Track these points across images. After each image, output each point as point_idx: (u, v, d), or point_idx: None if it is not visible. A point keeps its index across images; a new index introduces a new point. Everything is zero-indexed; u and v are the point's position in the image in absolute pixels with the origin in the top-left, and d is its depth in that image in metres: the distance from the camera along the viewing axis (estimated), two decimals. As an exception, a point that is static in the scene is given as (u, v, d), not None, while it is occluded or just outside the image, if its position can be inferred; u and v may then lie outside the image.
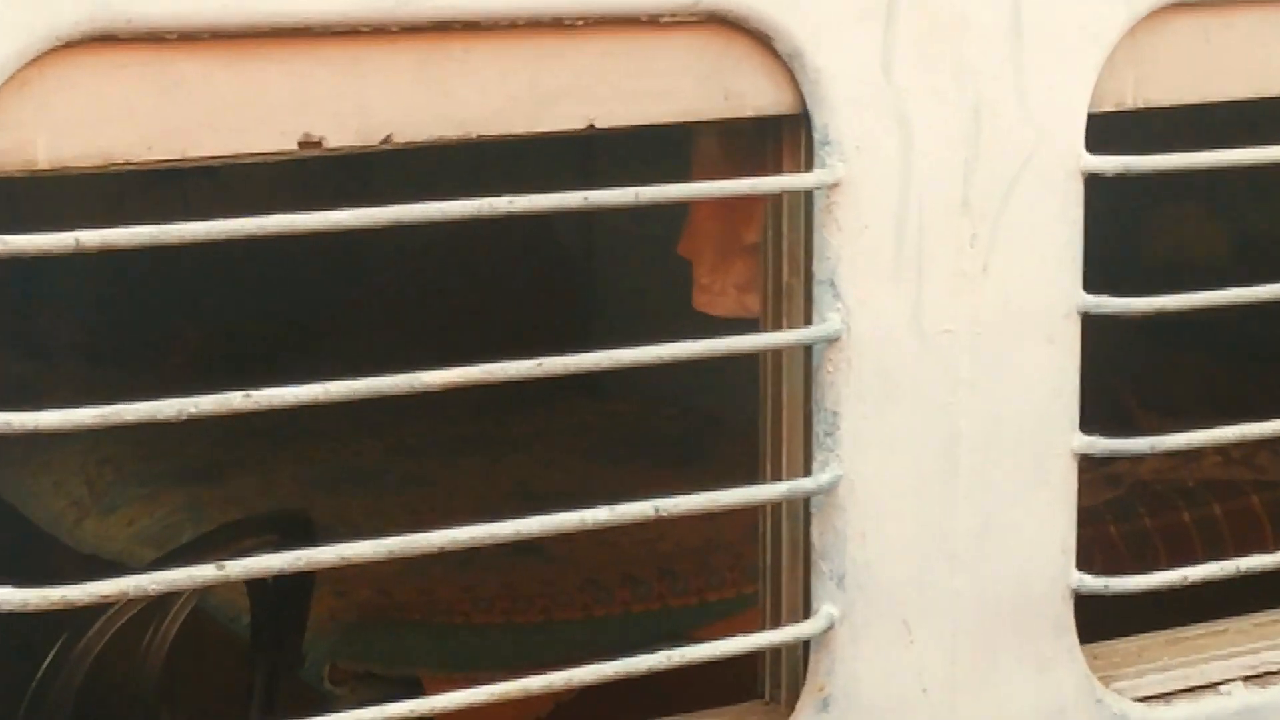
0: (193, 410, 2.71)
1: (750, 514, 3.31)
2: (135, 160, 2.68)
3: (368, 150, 2.82)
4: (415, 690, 4.44)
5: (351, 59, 2.77)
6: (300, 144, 2.77)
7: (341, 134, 2.79)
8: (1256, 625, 3.68)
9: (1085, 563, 3.38)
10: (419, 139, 2.84)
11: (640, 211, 3.06)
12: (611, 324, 6.85)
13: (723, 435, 5.75)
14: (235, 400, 2.73)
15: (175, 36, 2.64)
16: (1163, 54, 3.29)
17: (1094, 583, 3.36)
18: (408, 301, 7.03)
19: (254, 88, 2.71)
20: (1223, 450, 5.33)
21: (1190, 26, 3.30)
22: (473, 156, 3.02)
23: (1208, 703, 3.51)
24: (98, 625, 3.91)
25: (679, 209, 3.56)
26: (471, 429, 6.16)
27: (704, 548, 5.01)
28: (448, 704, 3.00)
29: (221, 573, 2.81)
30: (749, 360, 3.23)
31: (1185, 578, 3.46)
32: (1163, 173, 3.36)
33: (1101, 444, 3.32)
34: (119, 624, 3.96)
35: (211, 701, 4.58)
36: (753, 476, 3.26)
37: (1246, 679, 3.57)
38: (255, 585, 4.19)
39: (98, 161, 2.67)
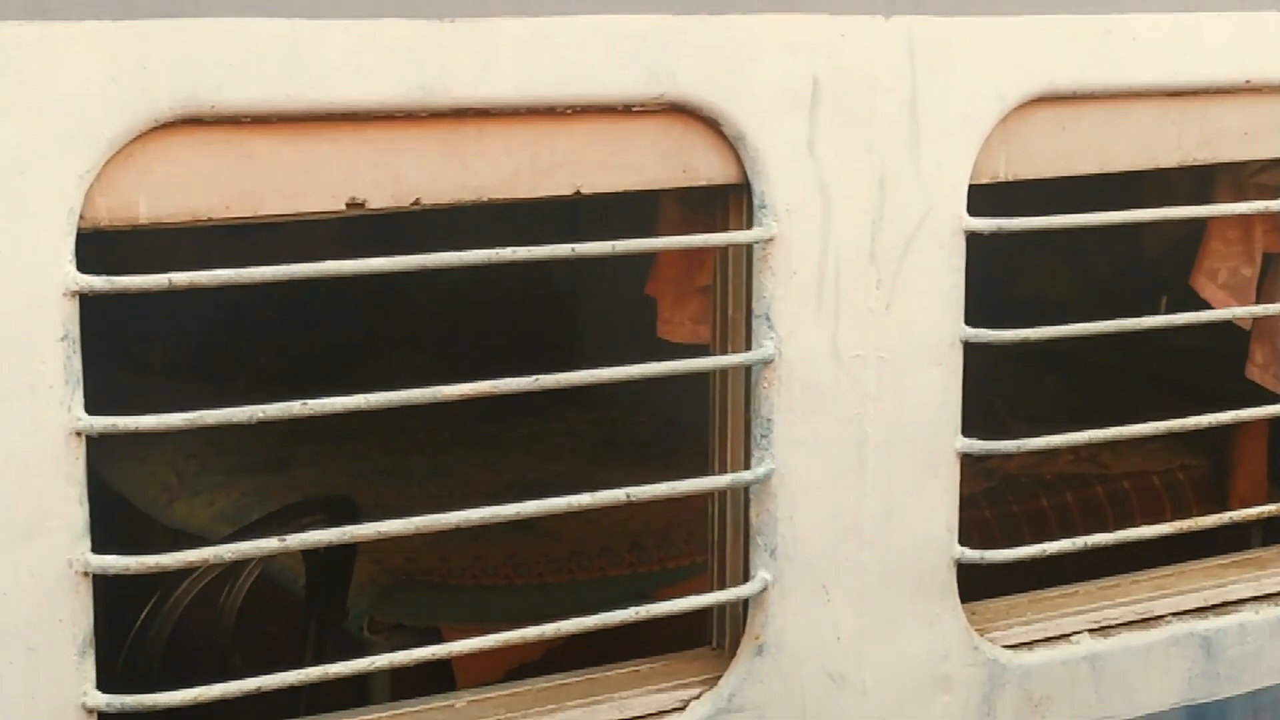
0: (260, 415, 2.70)
1: (703, 499, 3.29)
2: (216, 218, 2.67)
3: (401, 210, 2.82)
4: (436, 638, 4.41)
5: (389, 137, 2.76)
6: (347, 205, 2.76)
7: (381, 198, 2.78)
8: (1100, 588, 3.68)
9: (966, 539, 3.38)
10: (443, 202, 2.84)
11: (616, 259, 3.06)
12: (594, 347, 6.83)
13: (684, 437, 5.71)
14: (294, 408, 2.72)
15: (249, 119, 2.64)
16: (1028, 138, 3.29)
17: (972, 554, 3.35)
18: (433, 330, 6.99)
19: (311, 160, 2.70)
20: (1074, 450, 5.31)
21: (1050, 117, 3.30)
22: (486, 217, 3.01)
23: (1061, 649, 3.50)
24: (183, 586, 3.88)
25: (647, 257, 3.55)
26: (483, 431, 6.11)
27: (666, 526, 4.97)
28: (462, 648, 2.99)
29: (283, 544, 2.80)
30: (702, 377, 3.22)
31: (1044, 550, 3.46)
32: (1029, 231, 3.36)
33: (978, 445, 3.31)
34: (200, 586, 3.94)
35: (274, 648, 4.54)
36: (705, 470, 3.25)
37: (1091, 631, 3.56)
38: (309, 555, 4.15)
39: (186, 219, 2.66)
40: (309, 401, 2.73)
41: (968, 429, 3.31)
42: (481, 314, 6.90)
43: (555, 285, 7.13)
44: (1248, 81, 3.45)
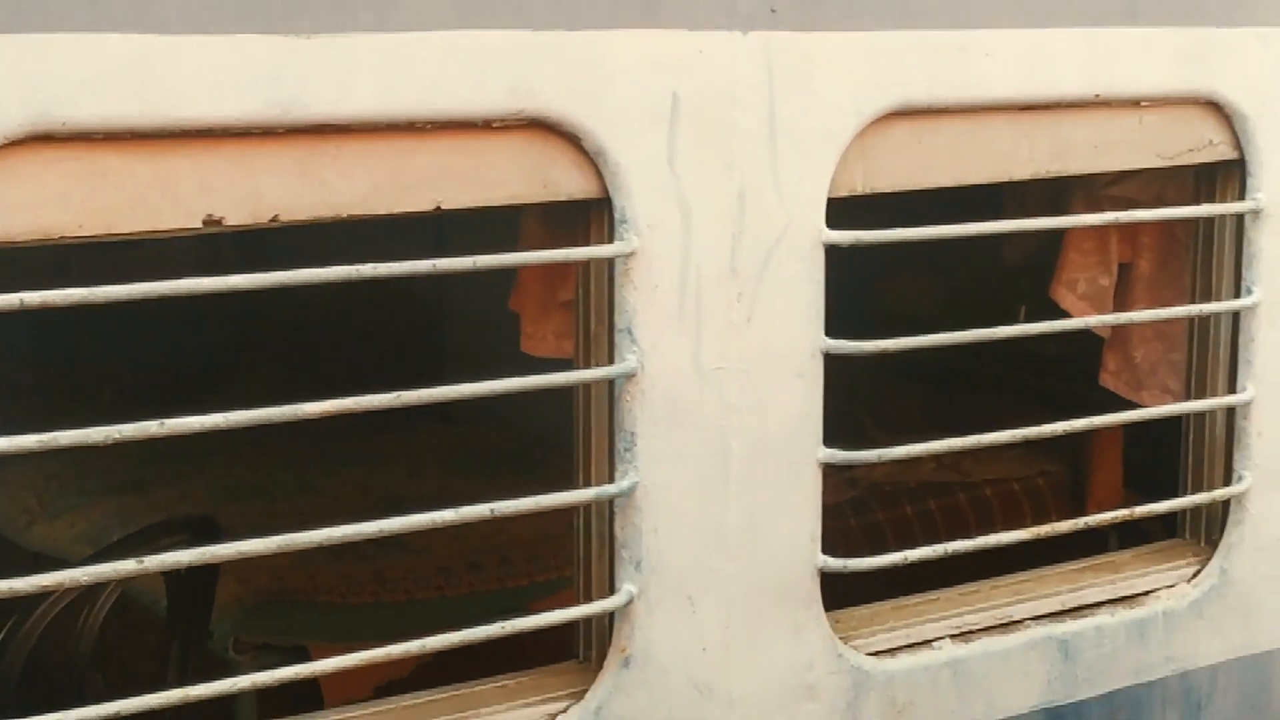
0: (116, 436, 2.66)
1: (570, 512, 3.30)
2: (69, 236, 2.63)
3: (259, 227, 2.79)
4: (303, 657, 4.37)
5: (246, 154, 2.74)
6: (204, 222, 2.73)
7: (238, 215, 2.75)
8: (961, 594, 3.73)
9: (831, 548, 3.41)
10: (300, 218, 2.81)
11: (482, 274, 3.06)
12: (463, 362, 6.81)
13: (552, 451, 5.71)
14: (151, 428, 2.69)
15: (101, 136, 2.60)
16: (885, 152, 3.33)
17: (835, 563, 3.38)
18: (299, 345, 6.94)
19: (166, 177, 2.67)
20: (936, 458, 5.39)
21: (906, 131, 3.35)
22: (349, 232, 2.99)
23: (923, 655, 3.54)
24: (40, 610, 3.82)
25: (514, 272, 3.56)
26: (350, 447, 6.07)
27: (534, 539, 4.97)
28: (328, 667, 2.97)
29: (140, 566, 2.76)
30: (568, 391, 3.23)
31: (905, 558, 3.50)
32: (888, 244, 3.40)
33: (840, 455, 3.35)
34: (59, 608, 3.88)
35: (137, 668, 4.48)
36: (572, 484, 3.26)
37: (953, 636, 3.61)
38: (170, 575, 4.10)
39: (38, 237, 2.62)
40: (166, 421, 2.70)
41: (832, 439, 3.34)
42: (350, 329, 6.86)
43: (423, 300, 7.10)
44: (1097, 96, 3.53)
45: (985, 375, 6.22)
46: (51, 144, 2.57)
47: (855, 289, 3.57)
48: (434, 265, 2.93)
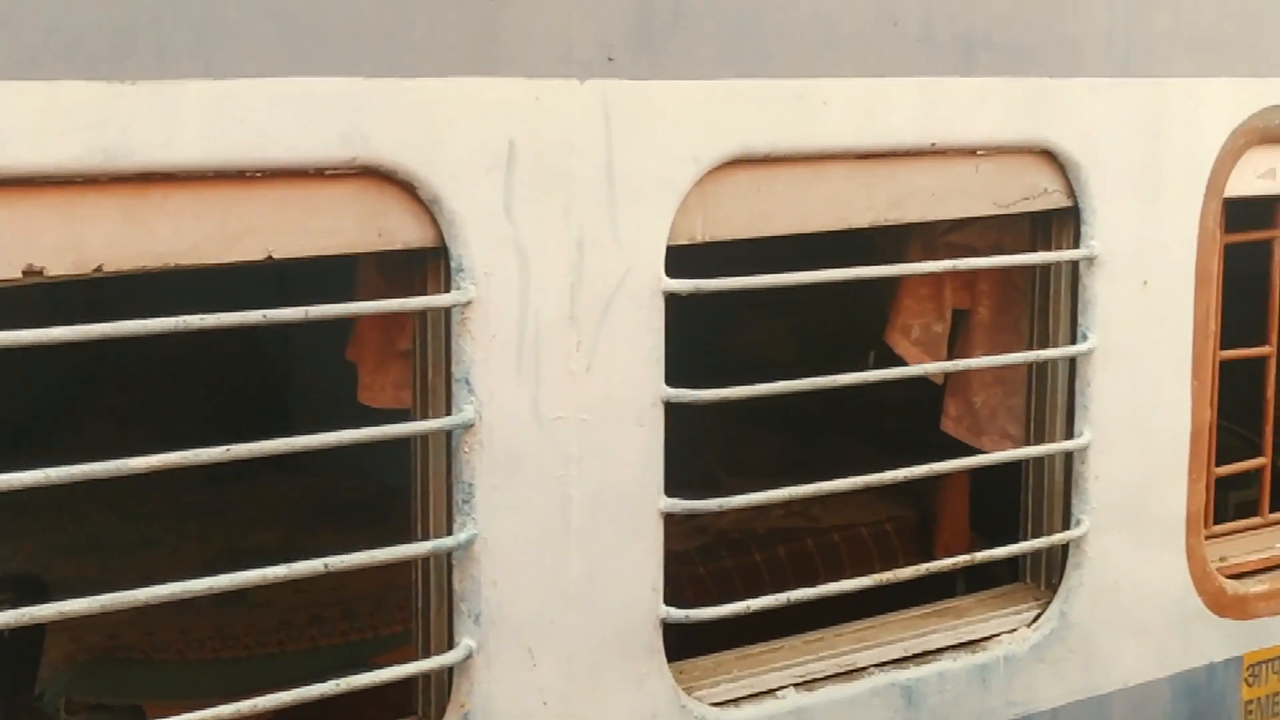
0: (-69, 493, 2.59)
1: (411, 565, 3.26)
2: (-121, 286, 2.57)
3: (82, 278, 2.74)
4: (139, 717, 4.28)
5: (68, 203, 2.69)
6: (24, 273, 2.67)
7: (60, 264, 2.70)
8: (805, 642, 3.75)
9: (679, 596, 3.41)
10: (126, 268, 2.77)
11: (323, 324, 3.02)
12: (307, 411, 6.72)
13: (399, 501, 5.64)
14: (-32, 484, 2.62)
15: (-86, 184, 2.55)
16: (724, 200, 3.36)
17: (678, 613, 3.38)
18: (141, 397, 6.81)
19: (-17, 226, 2.62)
20: (785, 505, 5.38)
21: (745, 179, 3.37)
22: (190, 278, 2.94)
23: (768, 705, 3.55)
24: None
25: (350, 323, 3.52)
26: (193, 498, 5.97)
27: (380, 592, 4.91)
28: (162, 727, 2.92)
29: (-45, 628, 2.68)
30: (408, 441, 3.20)
31: (748, 607, 3.51)
32: (732, 291, 3.41)
33: (682, 504, 3.35)
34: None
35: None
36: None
37: (797, 685, 3.62)
38: (-10, 636, 4.01)
39: None
40: (-13, 477, 2.64)
41: (683, 485, 3.34)
42: (190, 380, 6.74)
43: (267, 349, 7.01)
44: (934, 144, 3.59)
45: (837, 419, 6.28)
46: None
47: (708, 333, 3.58)
48: (264, 315, 2.89)
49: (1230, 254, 4.18)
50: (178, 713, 2.92)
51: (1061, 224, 3.86)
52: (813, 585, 3.64)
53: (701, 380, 3.36)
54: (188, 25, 2.72)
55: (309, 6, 2.83)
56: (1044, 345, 3.92)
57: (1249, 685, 4.34)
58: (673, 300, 3.29)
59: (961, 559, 3.90)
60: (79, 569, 5.17)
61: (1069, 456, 3.93)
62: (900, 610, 3.93)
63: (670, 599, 3.38)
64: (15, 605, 2.81)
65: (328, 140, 2.87)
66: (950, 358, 4.08)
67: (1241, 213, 4.24)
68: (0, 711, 3.99)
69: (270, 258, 2.89)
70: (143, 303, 2.99)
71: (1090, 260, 3.84)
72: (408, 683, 3.25)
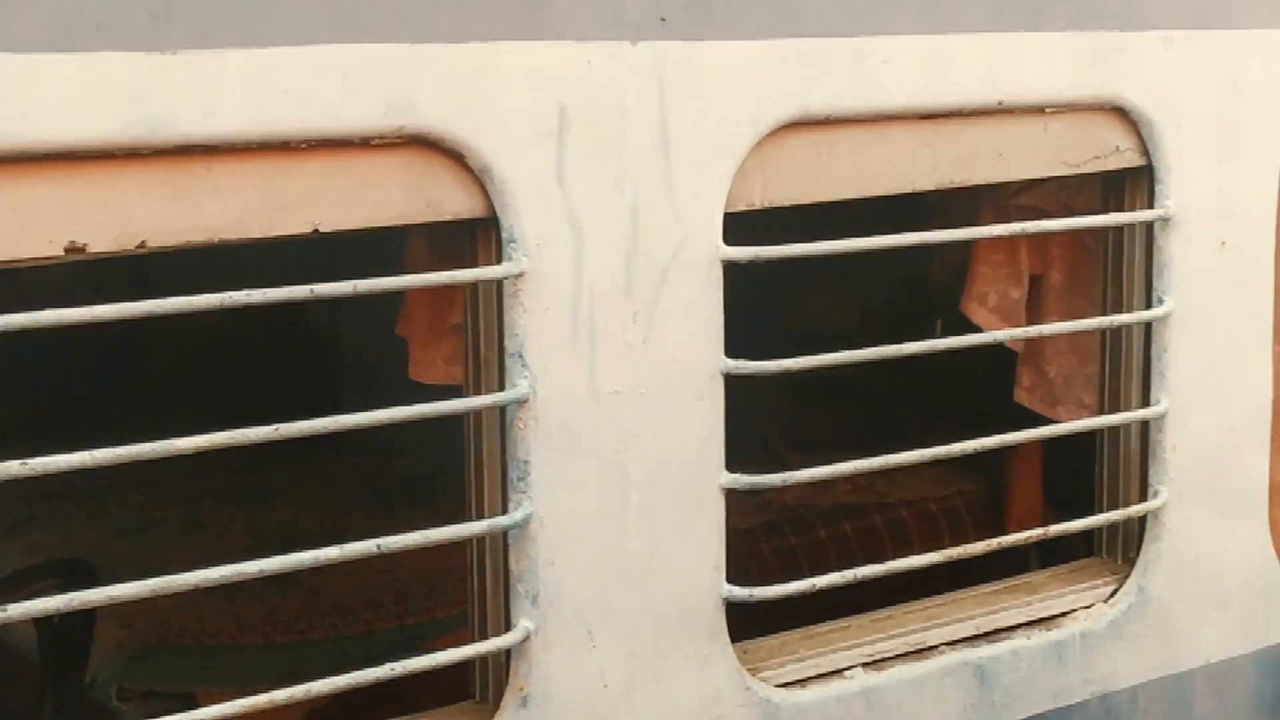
0: (-30, 478, 2.61)
1: (465, 545, 3.27)
2: (-77, 265, 2.60)
3: (125, 254, 2.76)
4: (191, 705, 4.31)
5: (110, 177, 2.70)
6: (66, 250, 2.69)
7: (103, 241, 2.71)
8: (873, 621, 3.74)
9: (742, 575, 3.40)
10: (170, 244, 2.77)
11: (371, 298, 3.03)
12: (357, 389, 6.76)
13: (452, 480, 5.64)
14: (13, 468, 2.64)
15: (-48, 161, 2.57)
16: (783, 164, 3.34)
17: (741, 592, 3.38)
18: (185, 374, 6.87)
19: (24, 204, 2.63)
20: (850, 479, 5.40)
21: (804, 143, 3.36)
22: (236, 254, 2.96)
23: (835, 686, 3.55)
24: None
25: (400, 297, 3.53)
26: (239, 480, 6.02)
27: (434, 574, 4.93)
28: (213, 714, 2.92)
29: (3, 615, 2.70)
30: (460, 418, 3.20)
31: (813, 585, 3.50)
32: (792, 259, 3.40)
33: (743, 480, 3.34)
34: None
35: (12, 716, 4.39)
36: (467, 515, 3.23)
37: (865, 665, 3.62)
38: (41, 621, 4.04)
39: (-109, 266, 2.59)
40: (29, 461, 2.65)
41: (742, 459, 3.33)
42: (237, 357, 6.79)
43: (312, 326, 7.05)
44: (1000, 103, 3.56)
45: (901, 391, 6.26)
46: (-102, 170, 2.54)
47: (769, 305, 3.57)
48: (311, 291, 2.90)
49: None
50: (232, 700, 2.95)
51: (1135, 184, 3.83)
52: (880, 562, 3.63)
53: (761, 353, 3.35)
54: (229, -9, 2.73)
55: (352, -29, 2.84)
56: (1118, 310, 3.89)
57: (1336, 661, 4.30)
58: (731, 269, 3.28)
59: (1035, 533, 3.89)
60: (128, 553, 5.22)
61: (1145, 426, 3.91)
62: (971, 587, 3.91)
63: (733, 577, 3.37)
64: (63, 590, 2.84)
65: (374, 109, 2.87)
66: (1023, 326, 4.05)
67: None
68: (51, 699, 4.03)
69: (316, 231, 2.90)
70: (186, 279, 3.01)
71: (1165, 221, 3.81)
72: (464, 666, 3.26)
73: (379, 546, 2.99)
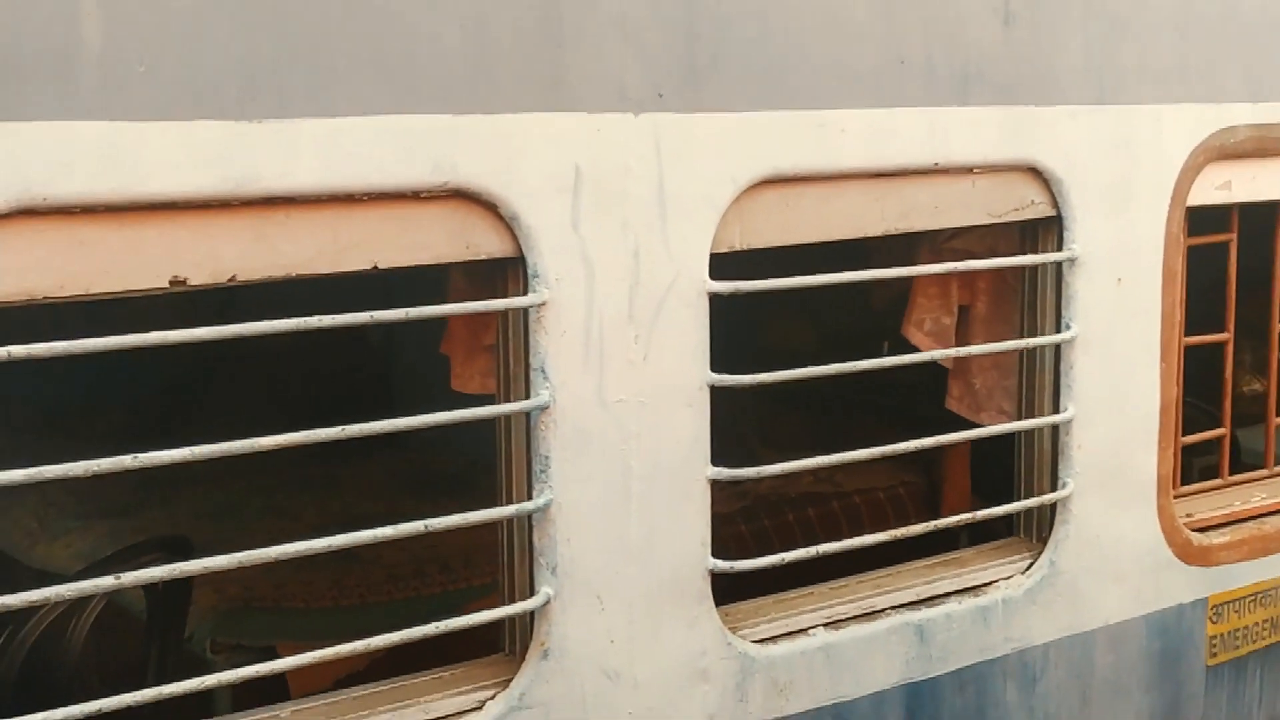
0: (95, 469, 2.61)
1: (497, 525, 3.26)
2: (51, 296, 2.58)
3: (219, 286, 2.75)
4: (272, 655, 4.29)
5: (205, 223, 2.70)
6: (170, 282, 2.69)
7: (200, 275, 2.72)
8: (832, 589, 3.73)
9: (724, 551, 3.39)
10: (255, 278, 2.78)
11: (420, 323, 3.03)
12: (404, 398, 6.76)
13: (486, 472, 5.62)
14: (125, 461, 2.64)
15: (78, 210, 2.56)
16: (758, 214, 3.34)
17: (723, 565, 3.37)
18: (268, 384, 6.86)
19: (135, 244, 2.63)
20: (813, 472, 5.36)
21: (775, 196, 3.36)
22: (311, 285, 2.96)
23: (800, 642, 3.54)
24: (35, 618, 3.74)
25: (443, 321, 3.52)
26: (314, 472, 6.00)
27: (471, 548, 4.91)
28: (290, 664, 2.93)
29: (116, 582, 2.70)
30: (493, 421, 3.20)
31: (783, 559, 3.50)
32: (763, 291, 3.39)
33: (726, 472, 3.34)
34: (52, 617, 3.80)
35: (125, 668, 4.38)
36: (497, 501, 3.22)
37: (826, 625, 3.61)
38: (148, 588, 4.03)
39: (25, 297, 2.57)
40: (139, 455, 2.66)
41: (724, 458, 3.33)
42: (309, 370, 6.78)
43: (371, 344, 7.05)
44: (936, 164, 3.56)
45: (856, 401, 6.25)
46: (35, 217, 2.54)
47: (746, 328, 3.56)
48: (371, 316, 2.90)
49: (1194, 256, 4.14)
50: (304, 652, 2.95)
51: (1046, 231, 3.82)
52: (838, 540, 3.62)
53: (741, 369, 3.35)
54: (303, 72, 2.73)
55: (406, 55, 2.84)
56: (1033, 334, 3.89)
57: (1213, 623, 4.30)
58: (715, 300, 3.28)
59: (964, 517, 3.88)
60: (219, 531, 5.20)
61: (1055, 429, 3.90)
62: (912, 561, 3.91)
63: (717, 553, 3.37)
64: (167, 562, 2.83)
65: (423, 168, 2.87)
66: (953, 347, 4.04)
67: (1202, 219, 4.19)
68: (156, 651, 4.02)
69: (375, 267, 2.90)
70: (269, 306, 3.01)
71: (1072, 261, 3.81)
72: (496, 625, 3.26)
73: (426, 526, 2.99)
